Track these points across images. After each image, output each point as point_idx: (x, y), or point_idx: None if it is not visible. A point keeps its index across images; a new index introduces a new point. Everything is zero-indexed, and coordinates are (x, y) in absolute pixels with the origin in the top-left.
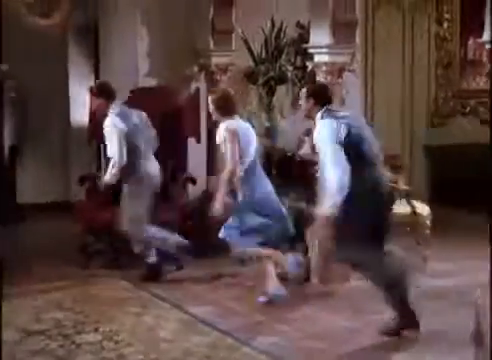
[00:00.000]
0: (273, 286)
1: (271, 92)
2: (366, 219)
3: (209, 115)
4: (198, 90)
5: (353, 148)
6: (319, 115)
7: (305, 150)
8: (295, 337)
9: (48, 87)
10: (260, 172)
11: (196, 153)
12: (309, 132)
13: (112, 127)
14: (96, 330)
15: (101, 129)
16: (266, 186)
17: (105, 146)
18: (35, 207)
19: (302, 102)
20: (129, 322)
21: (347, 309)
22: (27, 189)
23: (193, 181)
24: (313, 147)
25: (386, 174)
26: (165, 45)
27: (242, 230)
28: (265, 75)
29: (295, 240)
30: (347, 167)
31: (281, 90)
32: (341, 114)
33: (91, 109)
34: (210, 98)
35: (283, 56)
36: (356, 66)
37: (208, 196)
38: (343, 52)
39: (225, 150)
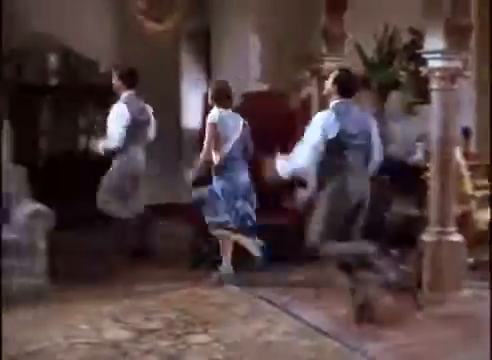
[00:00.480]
0: None
1: (383, 97)
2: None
3: None
4: (309, 95)
5: (335, 148)
6: (331, 104)
7: (418, 156)
8: (404, 343)
9: (161, 92)
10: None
11: None
12: (422, 138)
13: None
14: (206, 331)
15: None
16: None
17: None
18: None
19: (328, 84)
20: (237, 325)
21: (457, 317)
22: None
23: (303, 184)
24: (426, 153)
25: (366, 183)
26: (277, 50)
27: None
28: (378, 80)
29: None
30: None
31: (393, 95)
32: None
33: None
34: (210, 88)
35: (396, 61)
36: (470, 73)
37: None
38: (456, 57)
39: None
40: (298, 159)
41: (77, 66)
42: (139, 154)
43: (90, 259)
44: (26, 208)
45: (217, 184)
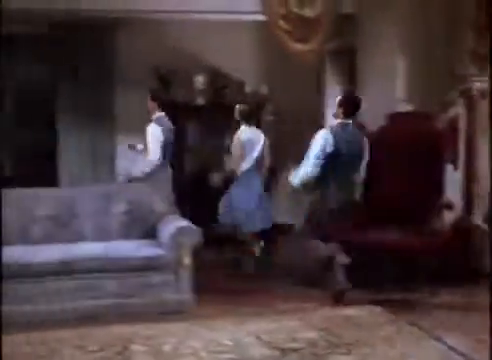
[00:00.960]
0: None
1: None
2: None
3: (469, 141)
4: (457, 115)
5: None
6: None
7: None
8: None
9: (303, 111)
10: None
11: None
12: None
13: None
14: (349, 352)
15: None
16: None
17: None
18: (290, 227)
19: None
20: (381, 347)
21: None
22: (281, 209)
23: (449, 207)
24: None
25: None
26: (423, 70)
27: None
28: None
29: None
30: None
31: None
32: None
33: None
34: (237, 108)
35: None
36: None
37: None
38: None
39: None
40: (305, 168)
41: (224, 86)
42: None
43: (231, 275)
44: (173, 224)
45: None
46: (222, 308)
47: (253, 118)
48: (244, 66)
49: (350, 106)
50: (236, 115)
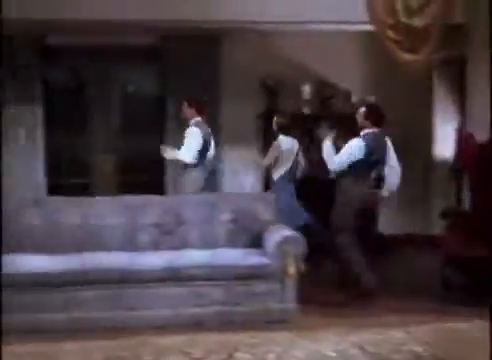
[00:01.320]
0: None
1: None
2: None
3: None
4: None
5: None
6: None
7: None
8: None
9: (412, 120)
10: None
11: None
12: None
13: None
14: None
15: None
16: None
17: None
18: (395, 239)
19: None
20: None
21: None
22: (388, 221)
23: None
24: None
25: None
26: None
27: None
28: None
29: None
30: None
31: None
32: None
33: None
34: (275, 120)
35: None
36: None
37: None
38: None
39: None
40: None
41: (330, 95)
42: None
43: (338, 286)
44: (278, 233)
45: None
46: (325, 319)
47: (291, 129)
48: (351, 76)
49: (376, 117)
50: (274, 126)
